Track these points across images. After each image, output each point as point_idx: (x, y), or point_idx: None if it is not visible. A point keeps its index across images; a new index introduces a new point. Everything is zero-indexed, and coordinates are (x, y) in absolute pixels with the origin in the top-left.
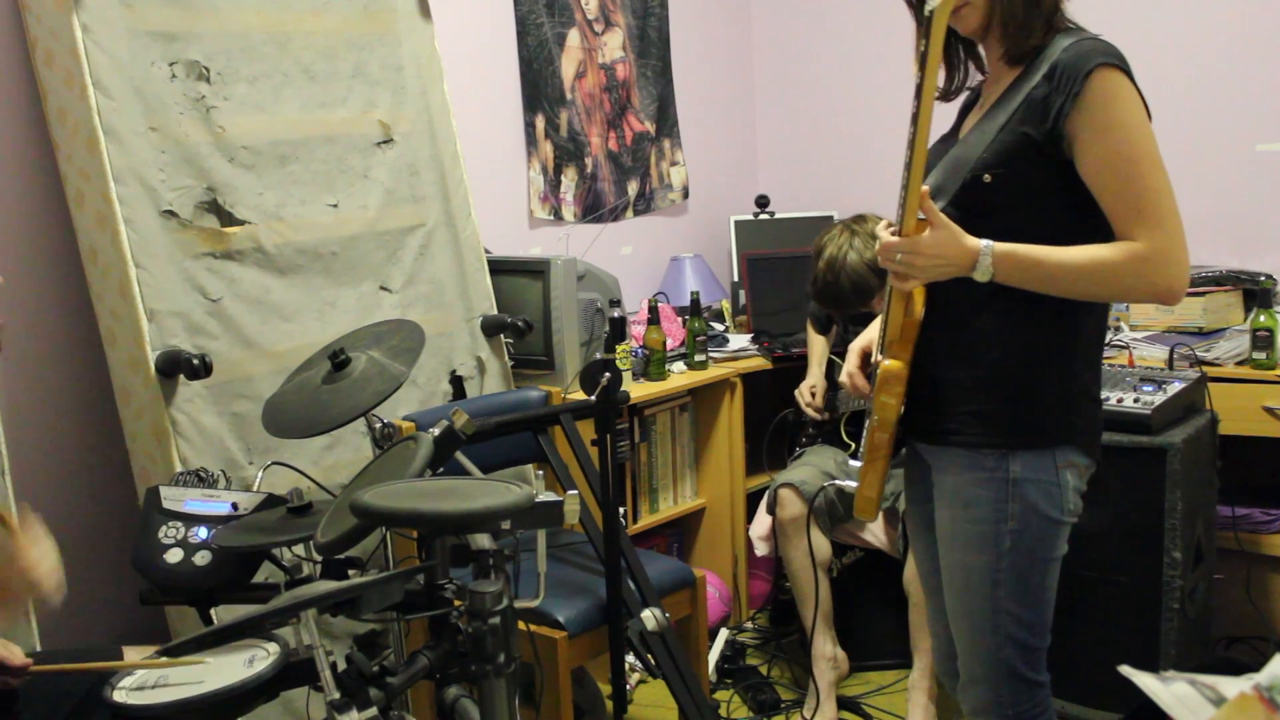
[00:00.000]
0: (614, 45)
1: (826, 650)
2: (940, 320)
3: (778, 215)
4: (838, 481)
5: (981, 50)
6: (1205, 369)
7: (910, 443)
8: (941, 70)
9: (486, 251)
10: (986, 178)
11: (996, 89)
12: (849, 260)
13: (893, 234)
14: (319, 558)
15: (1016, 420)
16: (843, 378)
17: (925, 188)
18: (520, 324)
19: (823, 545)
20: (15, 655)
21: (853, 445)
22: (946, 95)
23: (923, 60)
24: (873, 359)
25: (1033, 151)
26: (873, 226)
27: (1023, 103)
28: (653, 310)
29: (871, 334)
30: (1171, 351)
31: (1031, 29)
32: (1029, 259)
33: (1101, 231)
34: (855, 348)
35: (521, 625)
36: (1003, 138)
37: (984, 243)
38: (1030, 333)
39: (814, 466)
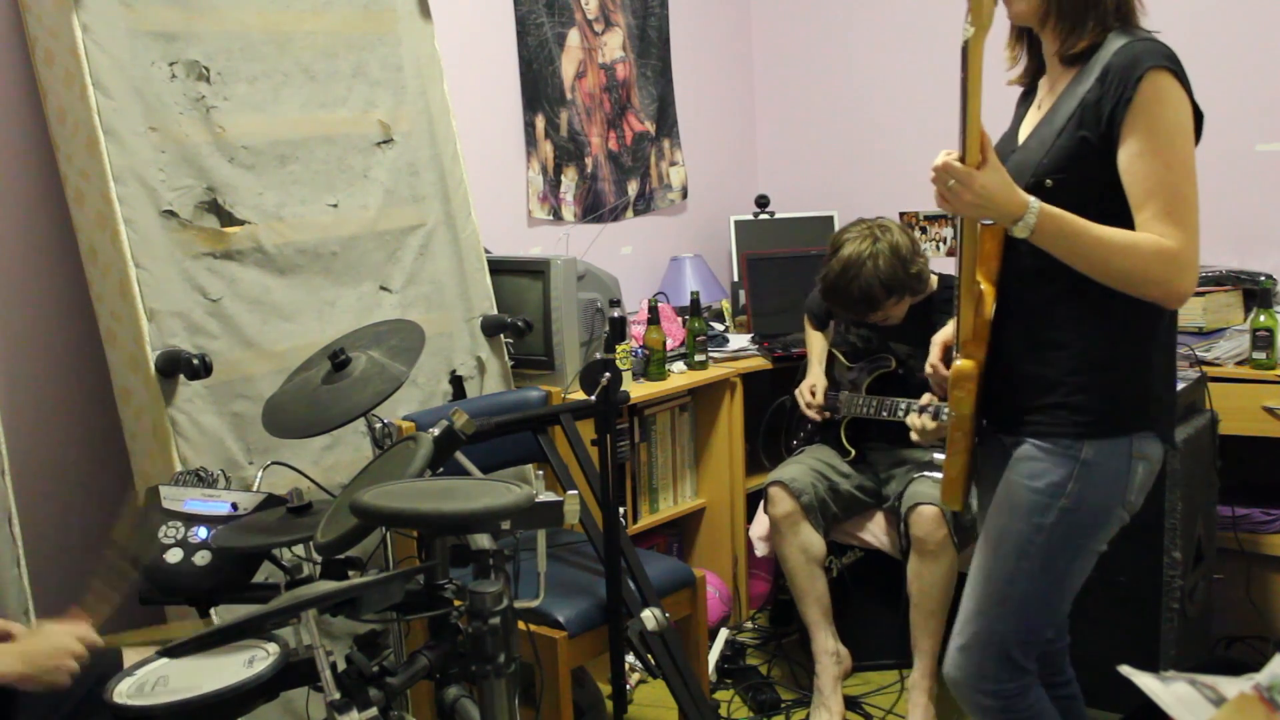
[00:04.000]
0: (614, 45)
1: (828, 646)
2: (1016, 318)
3: (778, 215)
4: (927, 474)
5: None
6: (1205, 369)
7: (990, 430)
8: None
9: (486, 251)
10: (1048, 183)
11: (1054, 89)
12: (865, 269)
13: (956, 159)
14: (319, 558)
15: (1096, 407)
16: (926, 369)
17: (985, 130)
18: (520, 324)
19: (816, 541)
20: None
21: (852, 451)
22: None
23: (962, 86)
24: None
25: (1092, 155)
26: (896, 238)
27: (1078, 106)
28: (653, 310)
29: (951, 329)
30: None
31: (1084, 26)
32: (1071, 228)
33: None
34: (938, 340)
35: (521, 625)
36: (1061, 142)
37: (1032, 199)
38: (1107, 326)
39: (806, 465)
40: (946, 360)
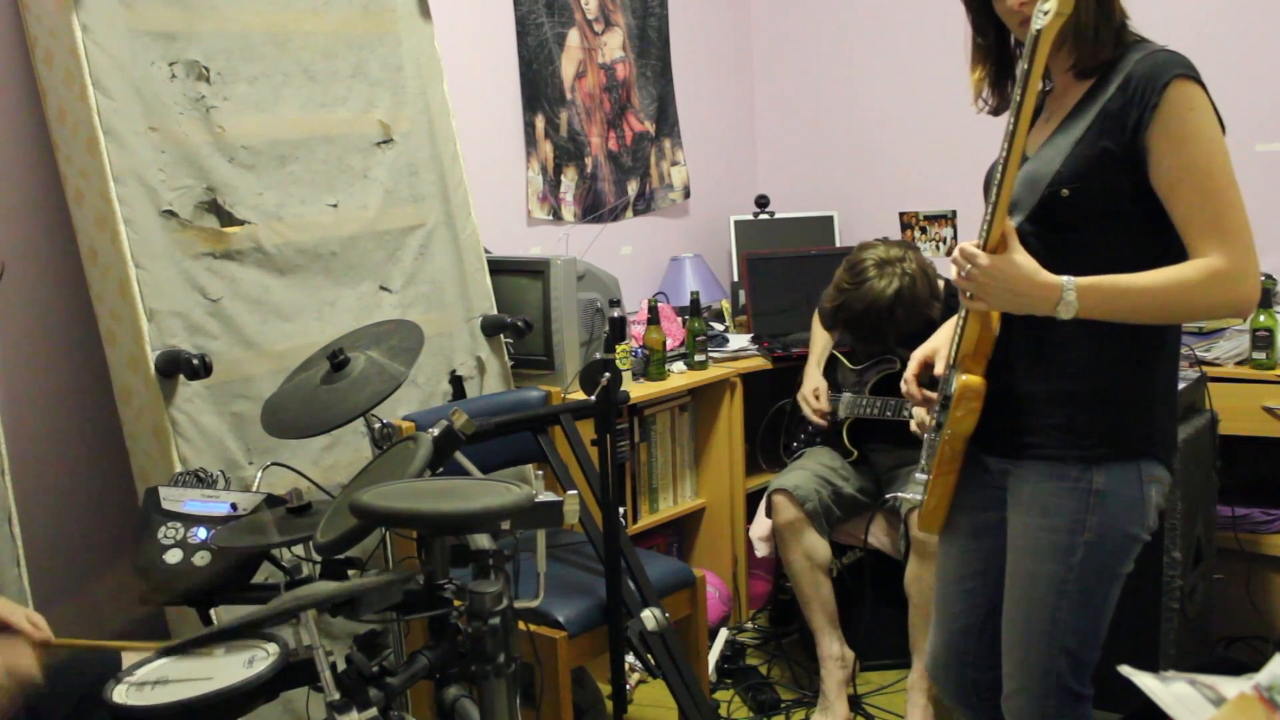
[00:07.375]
0: (614, 45)
1: (834, 650)
2: (1020, 333)
3: (778, 215)
4: (900, 494)
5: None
6: (1205, 369)
7: (978, 454)
8: (991, 82)
9: (486, 251)
10: (1064, 192)
11: (1066, 103)
12: (886, 312)
13: (976, 245)
14: (319, 558)
15: (1101, 432)
16: (903, 386)
17: (1011, 223)
18: (520, 324)
19: (821, 547)
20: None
21: (854, 452)
22: (998, 111)
23: (1024, 79)
24: (936, 371)
25: (1112, 165)
26: (919, 286)
27: (1098, 116)
28: (653, 310)
29: (935, 343)
30: None
31: (1102, 42)
32: (1113, 288)
33: (1176, 246)
34: (918, 356)
35: (521, 625)
36: (1080, 151)
37: (1065, 279)
38: (1114, 344)
39: (808, 470)
40: (926, 377)
